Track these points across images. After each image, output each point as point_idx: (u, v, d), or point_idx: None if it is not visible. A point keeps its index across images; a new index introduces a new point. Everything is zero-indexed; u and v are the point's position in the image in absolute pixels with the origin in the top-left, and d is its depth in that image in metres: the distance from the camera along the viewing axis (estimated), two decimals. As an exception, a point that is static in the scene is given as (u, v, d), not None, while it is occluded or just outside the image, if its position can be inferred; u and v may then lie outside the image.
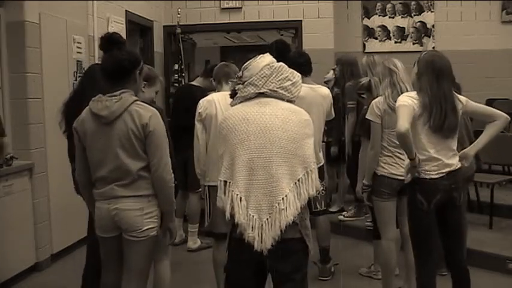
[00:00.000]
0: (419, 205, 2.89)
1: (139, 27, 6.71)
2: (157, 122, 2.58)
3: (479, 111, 3.03)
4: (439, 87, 2.84)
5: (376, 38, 7.90)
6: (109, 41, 2.63)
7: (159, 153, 2.56)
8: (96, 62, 4.65)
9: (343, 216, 5.49)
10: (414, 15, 7.80)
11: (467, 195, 4.81)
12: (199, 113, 3.50)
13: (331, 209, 5.39)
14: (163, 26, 7.26)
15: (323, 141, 4.76)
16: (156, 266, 3.07)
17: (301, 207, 2.20)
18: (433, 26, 7.75)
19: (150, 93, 3.23)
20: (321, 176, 3.55)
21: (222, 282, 3.26)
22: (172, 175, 2.63)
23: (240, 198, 2.19)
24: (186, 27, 7.12)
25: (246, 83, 2.33)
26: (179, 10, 7.11)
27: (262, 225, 2.16)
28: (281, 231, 2.16)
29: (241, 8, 7.15)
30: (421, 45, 7.68)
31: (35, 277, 4.33)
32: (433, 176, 2.86)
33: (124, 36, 4.96)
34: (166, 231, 2.72)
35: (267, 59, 2.37)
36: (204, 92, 4.48)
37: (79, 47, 5.08)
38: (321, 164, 3.93)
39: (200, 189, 3.89)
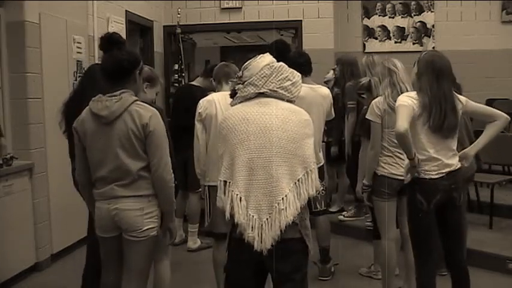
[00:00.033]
0: (419, 205, 2.89)
1: (139, 27, 6.71)
2: (158, 122, 2.58)
3: (479, 111, 3.03)
4: (438, 87, 2.84)
5: (376, 38, 7.89)
6: (109, 41, 2.63)
7: (159, 153, 2.56)
8: (96, 62, 4.65)
9: (343, 216, 5.49)
10: (414, 15, 7.80)
11: (467, 195, 4.81)
12: (199, 113, 3.50)
13: (331, 209, 5.39)
14: (163, 26, 7.26)
15: (323, 141, 4.76)
16: (156, 266, 3.07)
17: (301, 207, 2.20)
18: (433, 26, 7.75)
19: (152, 94, 3.28)
20: (321, 176, 3.55)
21: (222, 282, 3.26)
22: (173, 175, 2.63)
23: (240, 198, 2.19)
24: (186, 27, 7.12)
25: (246, 83, 2.33)
26: (179, 10, 7.11)
27: (262, 225, 2.16)
28: (281, 231, 2.16)
29: (241, 8, 7.15)
30: (421, 45, 7.68)
31: (35, 277, 4.33)
32: (432, 176, 2.86)
33: (124, 36, 4.99)
34: (166, 231, 2.72)
35: (267, 59, 2.37)
36: (204, 92, 4.48)
37: (79, 47, 5.08)
38: (321, 164, 3.94)
39: (200, 189, 3.89)
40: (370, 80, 3.84)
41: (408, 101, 2.84)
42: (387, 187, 3.41)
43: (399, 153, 3.33)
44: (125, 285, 2.68)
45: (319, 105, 3.95)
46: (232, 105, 2.39)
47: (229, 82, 3.56)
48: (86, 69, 4.01)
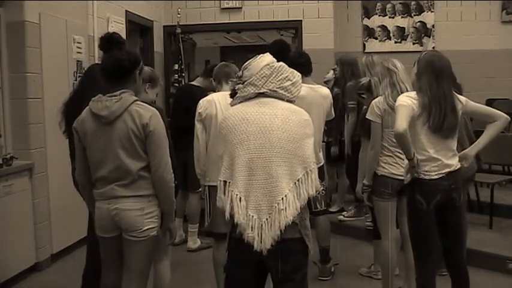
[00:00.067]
0: (418, 205, 2.88)
1: (139, 27, 6.71)
2: (158, 122, 2.58)
3: (479, 112, 3.03)
4: (438, 87, 2.84)
5: (376, 38, 7.89)
6: (109, 41, 2.63)
7: (159, 153, 2.56)
8: (96, 62, 4.64)
9: (343, 216, 5.49)
10: (414, 15, 7.80)
11: (467, 195, 4.81)
12: (199, 113, 3.50)
13: (331, 209, 5.39)
14: (163, 26, 7.26)
15: (323, 141, 4.76)
16: (156, 266, 3.07)
17: (300, 207, 2.20)
18: (433, 26, 7.75)
19: (153, 95, 3.31)
20: (321, 176, 3.55)
21: (222, 282, 3.26)
22: (173, 175, 2.63)
23: (240, 198, 2.19)
24: (186, 27, 7.13)
25: (246, 83, 2.33)
26: (179, 10, 7.11)
27: (261, 225, 2.16)
28: (281, 231, 2.16)
29: (241, 8, 7.15)
30: (421, 45, 7.68)
31: (35, 277, 4.33)
32: (432, 177, 2.86)
33: (124, 36, 5.00)
34: (166, 231, 2.72)
35: (267, 58, 2.37)
36: (204, 92, 4.48)
37: (79, 47, 5.08)
38: (321, 164, 3.94)
39: (200, 189, 3.89)
40: (370, 80, 3.84)
41: (408, 101, 2.84)
42: (388, 187, 3.41)
43: (399, 153, 3.33)
44: (125, 285, 2.68)
45: (319, 105, 3.95)
46: (232, 105, 2.39)
47: (229, 82, 3.56)
48: (86, 69, 4.01)
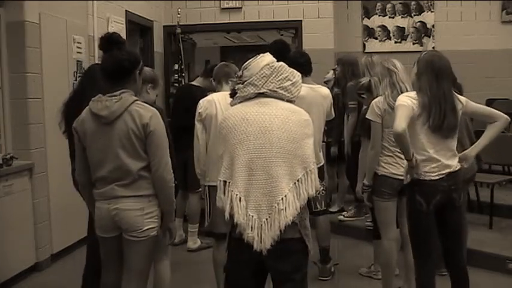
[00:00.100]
0: (418, 206, 2.88)
1: (139, 27, 6.71)
2: (158, 122, 2.58)
3: (479, 112, 3.03)
4: (438, 87, 2.84)
5: (376, 38, 7.90)
6: (109, 41, 2.63)
7: (159, 153, 2.56)
8: (96, 62, 4.65)
9: (343, 216, 5.49)
10: (414, 15, 7.80)
11: (467, 196, 4.81)
12: (200, 113, 3.50)
13: (331, 209, 5.39)
14: (163, 26, 7.26)
15: (323, 141, 4.76)
16: (156, 266, 3.08)
17: (300, 207, 2.20)
18: (433, 26, 7.75)
19: (154, 95, 3.33)
20: (321, 176, 3.55)
21: (222, 282, 3.26)
22: (173, 175, 2.63)
23: (240, 198, 2.19)
24: (186, 27, 7.13)
25: (245, 83, 2.33)
26: (179, 10, 7.11)
27: (261, 225, 2.16)
28: (280, 231, 2.16)
29: (241, 8, 7.15)
30: (421, 45, 7.68)
31: (35, 277, 4.33)
32: (433, 178, 2.86)
33: (124, 36, 4.99)
34: (166, 231, 2.72)
35: (267, 58, 2.37)
36: (204, 92, 4.48)
37: (79, 47, 5.08)
38: (321, 164, 3.94)
39: (200, 189, 3.89)
40: (370, 80, 3.84)
41: (408, 101, 2.84)
42: (388, 187, 3.41)
43: (400, 153, 3.32)
44: (125, 285, 2.68)
45: (319, 105, 3.95)
46: (232, 105, 2.39)
47: (229, 82, 3.57)
48: (86, 69, 4.01)
